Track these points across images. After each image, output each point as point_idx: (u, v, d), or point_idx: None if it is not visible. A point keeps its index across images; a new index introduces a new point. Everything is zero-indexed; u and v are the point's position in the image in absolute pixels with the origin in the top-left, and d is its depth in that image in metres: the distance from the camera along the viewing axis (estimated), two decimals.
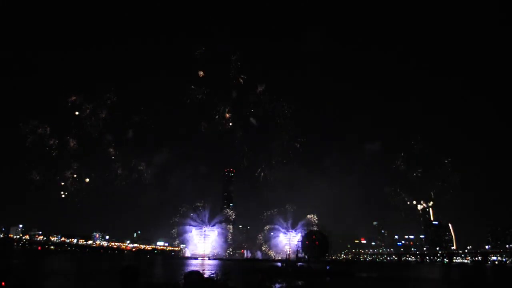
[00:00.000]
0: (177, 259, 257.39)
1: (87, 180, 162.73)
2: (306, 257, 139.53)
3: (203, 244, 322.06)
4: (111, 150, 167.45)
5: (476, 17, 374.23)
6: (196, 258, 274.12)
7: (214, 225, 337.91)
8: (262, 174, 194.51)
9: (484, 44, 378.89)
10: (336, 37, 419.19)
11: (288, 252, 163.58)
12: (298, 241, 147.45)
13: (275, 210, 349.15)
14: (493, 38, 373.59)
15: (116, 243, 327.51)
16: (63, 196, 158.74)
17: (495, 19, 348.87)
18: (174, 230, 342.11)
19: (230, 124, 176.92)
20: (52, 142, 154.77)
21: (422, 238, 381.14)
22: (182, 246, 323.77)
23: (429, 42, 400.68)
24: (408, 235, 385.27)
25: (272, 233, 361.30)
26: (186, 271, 6.82)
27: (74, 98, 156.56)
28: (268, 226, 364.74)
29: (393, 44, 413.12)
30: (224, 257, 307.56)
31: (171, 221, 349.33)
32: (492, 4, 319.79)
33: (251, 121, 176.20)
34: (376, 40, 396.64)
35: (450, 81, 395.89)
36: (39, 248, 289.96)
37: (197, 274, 7.24)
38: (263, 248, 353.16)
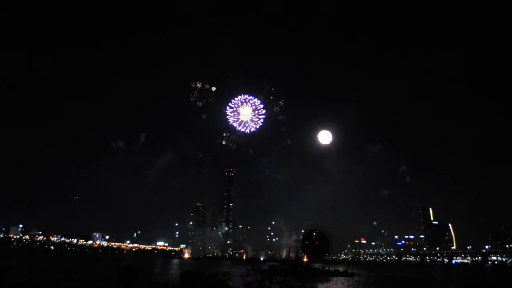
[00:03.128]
0: (177, 259, 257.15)
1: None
2: (306, 256, 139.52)
3: (203, 244, 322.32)
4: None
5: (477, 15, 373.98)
6: (196, 258, 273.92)
7: (214, 225, 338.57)
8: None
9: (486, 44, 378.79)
10: (336, 36, 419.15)
11: (289, 253, 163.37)
12: (298, 241, 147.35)
13: (275, 210, 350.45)
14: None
15: (116, 243, 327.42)
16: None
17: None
18: (174, 230, 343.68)
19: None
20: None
21: (422, 238, 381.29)
22: (182, 246, 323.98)
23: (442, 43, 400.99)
24: (408, 235, 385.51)
25: (272, 233, 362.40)
26: (183, 271, 6.73)
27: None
28: (268, 226, 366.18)
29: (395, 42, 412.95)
30: (224, 257, 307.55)
31: (171, 222, 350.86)
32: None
33: (250, 124, 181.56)
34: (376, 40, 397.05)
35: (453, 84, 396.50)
36: (38, 248, 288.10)
37: (194, 274, 7.19)
38: (264, 248, 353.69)
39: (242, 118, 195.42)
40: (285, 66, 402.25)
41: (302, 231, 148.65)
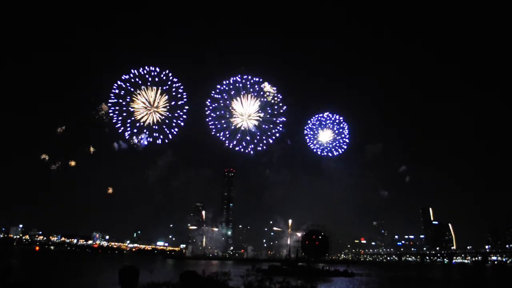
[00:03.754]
0: (177, 259, 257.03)
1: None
2: (306, 256, 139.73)
3: (203, 244, 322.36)
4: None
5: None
6: (196, 258, 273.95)
7: (214, 225, 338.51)
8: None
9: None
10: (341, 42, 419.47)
11: (289, 253, 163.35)
12: (298, 241, 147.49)
13: (276, 210, 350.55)
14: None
15: (116, 243, 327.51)
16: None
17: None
18: (174, 230, 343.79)
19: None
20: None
21: (422, 238, 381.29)
22: (182, 246, 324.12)
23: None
24: (408, 235, 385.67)
25: (272, 233, 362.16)
26: (183, 271, 6.77)
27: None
28: (268, 226, 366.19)
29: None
30: (225, 257, 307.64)
31: (171, 222, 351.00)
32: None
33: (249, 125, 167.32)
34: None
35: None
36: (37, 248, 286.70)
37: (193, 274, 7.22)
38: (264, 248, 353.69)
39: (237, 120, 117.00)
40: (285, 64, 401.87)
41: (303, 232, 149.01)
